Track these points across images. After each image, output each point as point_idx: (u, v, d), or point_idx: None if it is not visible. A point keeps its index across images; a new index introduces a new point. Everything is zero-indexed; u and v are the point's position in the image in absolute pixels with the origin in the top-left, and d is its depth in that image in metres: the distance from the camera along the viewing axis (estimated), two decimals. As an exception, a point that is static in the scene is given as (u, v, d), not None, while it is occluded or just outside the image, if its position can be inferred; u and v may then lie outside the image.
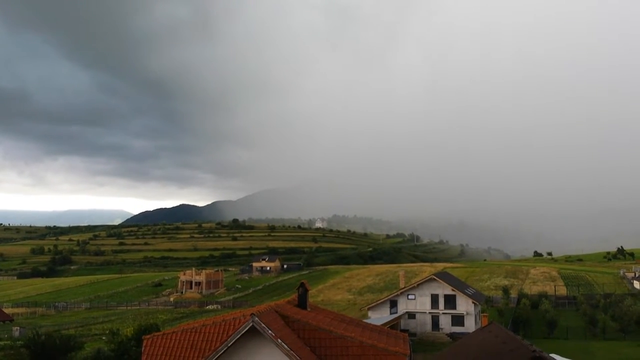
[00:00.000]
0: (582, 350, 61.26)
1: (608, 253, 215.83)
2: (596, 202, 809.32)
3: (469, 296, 74.78)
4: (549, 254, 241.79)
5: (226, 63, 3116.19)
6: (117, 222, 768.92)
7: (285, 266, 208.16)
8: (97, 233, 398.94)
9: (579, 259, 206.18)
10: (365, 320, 44.56)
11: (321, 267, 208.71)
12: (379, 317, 70.90)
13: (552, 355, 34.16)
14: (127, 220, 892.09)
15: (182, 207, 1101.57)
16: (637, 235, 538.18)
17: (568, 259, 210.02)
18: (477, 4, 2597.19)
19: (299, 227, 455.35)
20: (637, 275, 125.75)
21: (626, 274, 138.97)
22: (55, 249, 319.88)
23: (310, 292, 34.45)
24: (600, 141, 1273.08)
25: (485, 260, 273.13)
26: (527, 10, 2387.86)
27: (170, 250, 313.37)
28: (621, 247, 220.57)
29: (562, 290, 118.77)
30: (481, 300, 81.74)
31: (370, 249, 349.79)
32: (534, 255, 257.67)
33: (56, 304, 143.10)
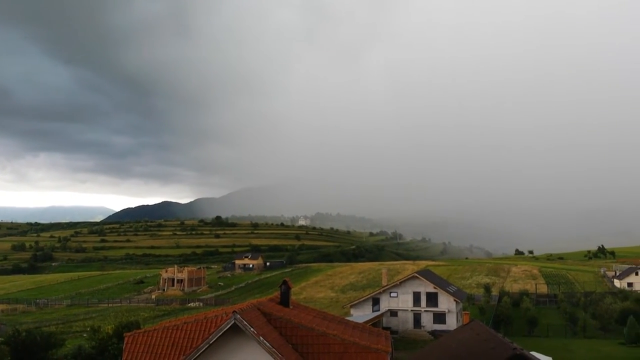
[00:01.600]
0: (562, 348, 61.87)
1: (589, 252, 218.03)
2: (578, 201, 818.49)
3: (451, 294, 75.18)
4: (531, 252, 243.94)
5: (207, 60, 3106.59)
6: (98, 218, 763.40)
7: (268, 264, 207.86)
8: (78, 230, 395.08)
9: (560, 258, 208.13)
10: (347, 318, 44.58)
11: (304, 265, 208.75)
12: (362, 314, 71.04)
13: (533, 353, 34.46)
14: (109, 217, 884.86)
15: (164, 204, 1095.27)
16: (618, 234, 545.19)
17: (549, 258, 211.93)
18: (453, 3, 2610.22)
19: (282, 224, 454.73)
20: (617, 274, 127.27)
21: (607, 272, 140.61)
22: (37, 246, 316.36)
23: (292, 289, 34.40)
24: (582, 143, 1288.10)
25: (467, 258, 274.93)
26: (503, 10, 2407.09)
27: (152, 247, 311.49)
28: (602, 246, 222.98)
29: (543, 289, 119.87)
30: (463, 298, 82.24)
31: (353, 246, 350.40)
32: (516, 254, 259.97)
33: (37, 300, 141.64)
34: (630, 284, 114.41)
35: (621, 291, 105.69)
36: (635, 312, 75.04)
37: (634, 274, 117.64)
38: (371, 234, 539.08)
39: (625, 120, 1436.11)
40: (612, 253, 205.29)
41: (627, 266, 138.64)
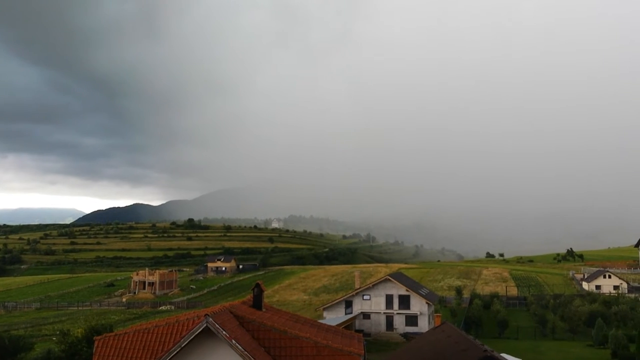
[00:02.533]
0: (532, 349, 62.75)
1: (558, 254, 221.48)
2: (547, 204, 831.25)
3: (423, 296, 75.69)
4: (501, 255, 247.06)
5: (177, 61, 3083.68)
6: (68, 221, 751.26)
7: (240, 266, 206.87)
8: (48, 232, 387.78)
9: (530, 260, 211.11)
10: (320, 321, 44.62)
11: (277, 268, 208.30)
12: (334, 317, 71.11)
13: (503, 354, 34.87)
14: (79, 219, 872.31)
15: (136, 207, 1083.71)
16: (586, 237, 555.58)
17: (519, 260, 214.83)
18: (423, 7, 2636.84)
19: (255, 227, 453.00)
20: (585, 277, 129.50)
21: (575, 275, 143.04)
22: (5, 248, 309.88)
23: (265, 292, 34.28)
24: (551, 148, 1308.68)
25: (439, 261, 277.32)
26: (470, 13, 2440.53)
27: (123, 250, 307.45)
28: (571, 249, 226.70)
29: (513, 291, 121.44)
30: (435, 300, 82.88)
31: (327, 249, 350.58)
32: (487, 257, 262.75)
33: (5, 303, 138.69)
34: (598, 287, 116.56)
35: (589, 294, 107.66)
36: (603, 314, 76.61)
37: (602, 276, 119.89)
38: (344, 237, 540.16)
39: (594, 126, 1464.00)
40: (581, 256, 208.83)
41: (595, 269, 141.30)
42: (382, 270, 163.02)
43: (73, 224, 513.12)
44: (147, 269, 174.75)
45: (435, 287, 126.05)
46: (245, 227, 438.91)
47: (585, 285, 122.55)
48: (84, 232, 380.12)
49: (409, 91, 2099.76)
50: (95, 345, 27.64)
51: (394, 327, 74.38)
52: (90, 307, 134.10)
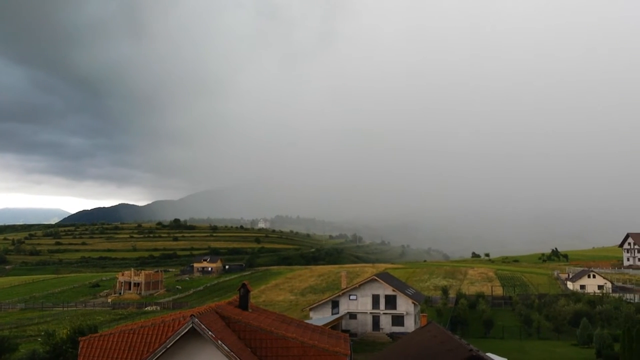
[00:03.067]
0: (517, 349, 63.13)
1: (543, 254, 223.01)
2: (532, 205, 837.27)
3: (409, 296, 75.89)
4: (487, 255, 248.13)
5: (162, 61, 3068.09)
6: (53, 221, 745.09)
7: (227, 267, 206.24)
8: (33, 232, 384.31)
9: (515, 260, 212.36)
10: (306, 321, 44.60)
11: (263, 268, 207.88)
12: (321, 317, 71.10)
13: (489, 354, 35.03)
14: (64, 219, 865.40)
15: (121, 207, 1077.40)
16: (571, 237, 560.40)
17: (505, 260, 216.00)
18: (404, 8, 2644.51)
19: (242, 227, 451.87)
20: (570, 277, 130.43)
21: (560, 275, 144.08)
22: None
23: (252, 293, 34.22)
24: (537, 149, 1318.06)
25: (425, 261, 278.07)
26: (450, 15, 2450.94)
27: (109, 250, 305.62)
28: (555, 248, 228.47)
29: (499, 291, 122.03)
30: (421, 300, 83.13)
31: (313, 249, 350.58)
32: (472, 256, 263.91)
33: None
34: (582, 287, 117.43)
35: (574, 293, 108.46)
36: (587, 314, 77.21)
37: (587, 276, 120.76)
38: (331, 237, 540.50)
39: (579, 129, 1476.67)
40: (566, 256, 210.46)
41: (580, 269, 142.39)
42: (369, 270, 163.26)
43: (58, 224, 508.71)
44: (132, 269, 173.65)
45: (422, 287, 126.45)
46: (231, 227, 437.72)
47: (570, 285, 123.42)
48: (69, 233, 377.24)
49: (394, 91, 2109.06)
50: (80, 346, 27.44)
51: (381, 327, 74.52)
52: (75, 308, 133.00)
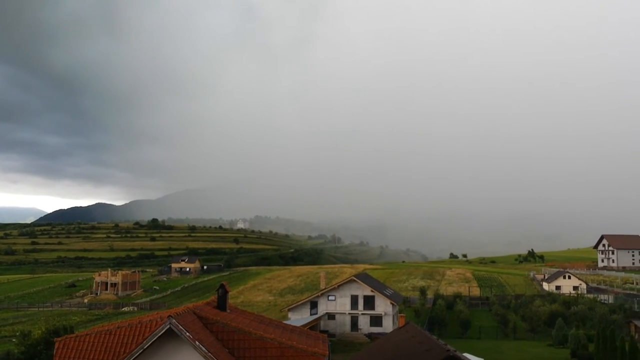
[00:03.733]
0: (493, 349, 63.69)
1: (519, 255, 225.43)
2: (510, 206, 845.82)
3: (388, 297, 76.14)
4: (464, 255, 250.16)
5: (140, 60, 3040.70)
6: (29, 220, 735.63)
7: (205, 267, 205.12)
8: (8, 232, 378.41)
9: (492, 261, 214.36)
10: (285, 322, 44.55)
11: (242, 268, 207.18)
12: (299, 318, 71.03)
13: (466, 354, 35.31)
14: (41, 218, 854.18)
15: (98, 206, 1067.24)
16: (547, 238, 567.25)
17: (482, 261, 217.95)
18: (382, 9, 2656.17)
19: (220, 227, 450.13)
20: (546, 277, 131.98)
21: (536, 275, 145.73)
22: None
23: (230, 293, 34.08)
24: (513, 152, 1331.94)
25: (404, 261, 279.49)
26: (421, 16, 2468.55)
27: (85, 250, 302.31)
28: (532, 250, 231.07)
29: (476, 291, 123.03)
30: (399, 301, 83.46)
31: (292, 250, 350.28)
32: (450, 257, 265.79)
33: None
34: (558, 287, 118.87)
35: (549, 294, 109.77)
36: (562, 315, 78.20)
37: (562, 277, 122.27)
38: (310, 238, 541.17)
39: (555, 132, 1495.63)
40: (542, 257, 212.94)
41: (555, 270, 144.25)
42: (348, 271, 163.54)
43: (34, 224, 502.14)
44: (109, 269, 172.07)
45: (400, 288, 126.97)
46: (210, 227, 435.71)
47: (545, 285, 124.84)
48: (45, 232, 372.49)
49: (372, 92, 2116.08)
50: (56, 346, 27.14)
51: (359, 327, 74.66)
52: (51, 308, 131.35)
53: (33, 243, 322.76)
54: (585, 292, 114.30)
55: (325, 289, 78.63)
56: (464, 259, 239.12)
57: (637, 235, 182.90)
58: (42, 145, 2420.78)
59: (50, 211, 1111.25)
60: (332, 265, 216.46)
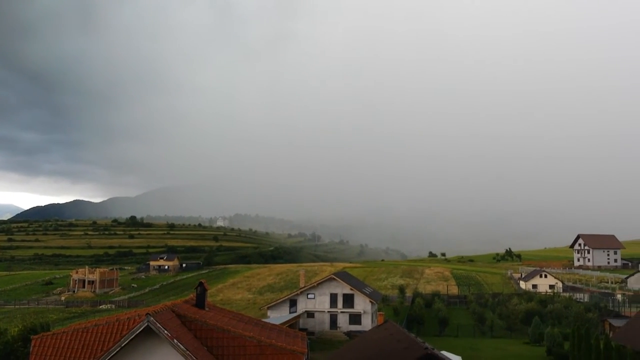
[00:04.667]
0: (470, 347, 64.28)
1: (497, 254, 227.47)
2: (488, 206, 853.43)
3: (367, 295, 76.49)
4: (443, 254, 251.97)
5: (117, 55, 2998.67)
6: (6, 217, 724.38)
7: (184, 265, 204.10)
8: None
9: (471, 260, 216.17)
10: (264, 320, 44.50)
11: (221, 266, 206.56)
12: (279, 316, 71.04)
13: (443, 352, 35.62)
14: (17, 215, 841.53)
15: (77, 203, 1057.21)
16: (524, 237, 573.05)
17: (460, 260, 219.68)
18: (357, 8, 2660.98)
19: (200, 225, 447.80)
20: (523, 276, 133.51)
21: (513, 274, 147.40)
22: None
23: (209, 291, 34.00)
24: (491, 151, 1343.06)
25: (383, 260, 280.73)
26: (399, 15, 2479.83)
27: (63, 247, 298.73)
28: (509, 249, 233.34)
29: (454, 290, 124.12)
30: (378, 299, 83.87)
31: (272, 248, 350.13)
32: (429, 256, 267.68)
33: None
34: (535, 286, 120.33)
35: (526, 292, 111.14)
36: (539, 313, 79.23)
37: (539, 276, 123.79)
38: (290, 236, 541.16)
39: (532, 132, 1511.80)
40: (519, 256, 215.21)
41: (532, 268, 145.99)
42: (327, 269, 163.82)
43: (10, 220, 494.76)
44: (87, 267, 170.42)
45: (379, 286, 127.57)
46: (189, 225, 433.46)
47: (522, 284, 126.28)
48: (22, 229, 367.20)
49: (351, 90, 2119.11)
50: (32, 344, 26.86)
51: (338, 325, 74.88)
52: (27, 306, 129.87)
53: (9, 240, 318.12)
54: (561, 290, 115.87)
55: (304, 287, 78.72)
56: (443, 257, 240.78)
57: (613, 235, 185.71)
58: (19, 142, 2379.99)
59: (28, 208, 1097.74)
60: (312, 264, 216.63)
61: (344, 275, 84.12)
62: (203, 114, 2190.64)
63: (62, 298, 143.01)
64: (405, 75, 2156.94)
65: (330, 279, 77.29)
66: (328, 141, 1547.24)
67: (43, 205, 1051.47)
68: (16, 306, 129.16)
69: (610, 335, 57.63)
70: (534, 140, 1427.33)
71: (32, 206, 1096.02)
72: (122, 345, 23.58)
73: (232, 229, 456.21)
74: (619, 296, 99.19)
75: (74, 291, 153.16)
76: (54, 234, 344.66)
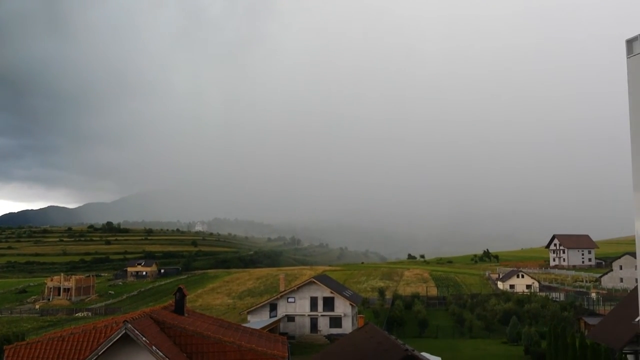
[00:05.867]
0: (450, 348, 64.71)
1: (475, 256, 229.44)
2: (464, 208, 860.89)
3: (347, 298, 76.57)
4: (422, 256, 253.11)
5: (88, 59, 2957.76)
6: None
7: (162, 271, 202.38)
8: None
9: (449, 261, 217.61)
10: (244, 325, 44.27)
11: (200, 272, 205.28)
12: (259, 320, 70.78)
13: (423, 353, 35.78)
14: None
15: (51, 209, 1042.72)
16: (501, 239, 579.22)
17: (439, 261, 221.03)
18: (325, 9, 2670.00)
19: (178, 230, 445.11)
20: (500, 277, 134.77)
21: (491, 275, 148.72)
22: None
23: (188, 297, 33.74)
24: (467, 153, 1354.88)
25: (363, 263, 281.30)
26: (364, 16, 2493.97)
27: (37, 254, 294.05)
28: (487, 250, 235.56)
29: (433, 291, 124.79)
30: (358, 301, 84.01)
31: (252, 252, 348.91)
32: (408, 258, 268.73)
33: None
34: (512, 286, 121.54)
35: (504, 293, 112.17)
36: (516, 313, 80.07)
37: (516, 276, 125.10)
38: (269, 240, 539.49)
39: (507, 133, 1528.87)
40: (496, 257, 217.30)
41: (509, 269, 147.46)
42: (307, 272, 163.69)
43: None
44: (62, 274, 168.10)
45: (359, 289, 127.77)
46: (167, 230, 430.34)
47: (500, 284, 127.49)
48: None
49: (332, 93, 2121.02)
50: (5, 355, 26.32)
51: (319, 329, 74.84)
52: (0, 315, 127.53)
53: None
54: (537, 290, 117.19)
55: (284, 291, 78.60)
56: (422, 259, 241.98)
57: (587, 235, 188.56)
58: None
59: (0, 214, 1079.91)
60: (292, 267, 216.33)
61: (324, 279, 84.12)
62: (180, 118, 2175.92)
63: (37, 306, 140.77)
64: (378, 76, 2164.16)
65: (310, 283, 77.26)
66: (305, 144, 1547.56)
67: (16, 211, 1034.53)
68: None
69: (586, 333, 58.41)
70: (510, 144, 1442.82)
71: (4, 213, 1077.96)
72: (99, 353, 23.25)
73: (211, 234, 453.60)
74: (593, 295, 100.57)
75: (49, 299, 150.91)
76: (28, 241, 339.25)
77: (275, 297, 77.71)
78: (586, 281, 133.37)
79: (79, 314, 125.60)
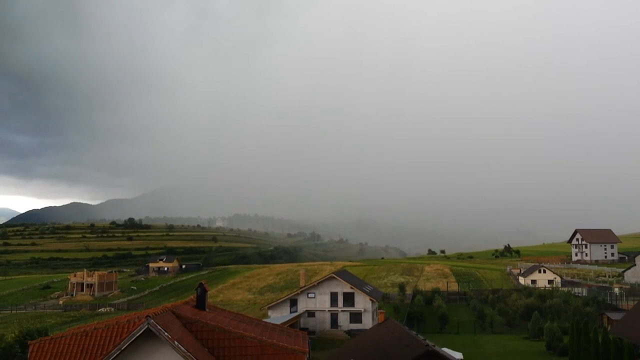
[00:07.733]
0: (471, 343, 64.34)
1: (496, 250, 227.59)
2: (486, 202, 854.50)
3: (367, 294, 76.46)
4: (442, 251, 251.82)
5: (106, 57, 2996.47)
6: (1, 221, 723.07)
7: (183, 266, 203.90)
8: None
9: (470, 257, 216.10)
10: (265, 320, 44.44)
11: (221, 267, 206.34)
12: (279, 316, 71.00)
13: (444, 349, 35.64)
14: (13, 219, 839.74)
15: (73, 206, 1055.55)
16: (522, 233, 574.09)
17: (460, 257, 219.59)
18: (338, 9, 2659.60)
19: (199, 226, 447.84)
20: (522, 272, 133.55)
21: (512, 270, 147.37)
22: None
23: (209, 292, 33.92)
24: (490, 151, 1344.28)
25: (382, 258, 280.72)
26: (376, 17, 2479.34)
27: (60, 250, 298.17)
28: (508, 245, 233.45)
29: (454, 287, 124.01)
30: (378, 297, 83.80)
31: (271, 248, 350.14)
32: (428, 253, 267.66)
33: None
34: (534, 281, 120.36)
35: (525, 288, 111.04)
36: (538, 308, 79.29)
37: (537, 271, 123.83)
38: (289, 235, 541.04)
39: (529, 131, 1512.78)
40: (518, 252, 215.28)
41: (531, 264, 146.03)
42: (327, 268, 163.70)
43: (6, 224, 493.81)
44: (85, 270, 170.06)
45: (379, 284, 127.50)
46: (188, 226, 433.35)
47: (521, 280, 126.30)
48: (18, 233, 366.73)
49: (344, 91, 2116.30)
50: (30, 350, 26.68)
51: (339, 324, 74.85)
52: (24, 311, 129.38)
53: (5, 244, 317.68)
54: (559, 285, 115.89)
55: (304, 286, 78.68)
56: (442, 254, 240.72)
57: (609, 230, 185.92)
58: (12, 145, 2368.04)
59: (23, 211, 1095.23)
60: (312, 263, 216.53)
61: (344, 274, 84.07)
62: (195, 114, 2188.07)
63: (60, 302, 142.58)
64: (370, 75, 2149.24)
65: (330, 278, 77.25)
66: (321, 142, 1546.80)
67: (39, 208, 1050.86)
68: (13, 311, 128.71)
69: (609, 328, 57.72)
70: (531, 141, 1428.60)
71: (28, 210, 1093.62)
72: (122, 348, 23.47)
73: (231, 230, 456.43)
74: (616, 290, 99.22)
75: (72, 295, 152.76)
76: (51, 237, 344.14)
77: (296, 293, 77.86)
78: (609, 276, 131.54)
79: (102, 310, 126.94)
